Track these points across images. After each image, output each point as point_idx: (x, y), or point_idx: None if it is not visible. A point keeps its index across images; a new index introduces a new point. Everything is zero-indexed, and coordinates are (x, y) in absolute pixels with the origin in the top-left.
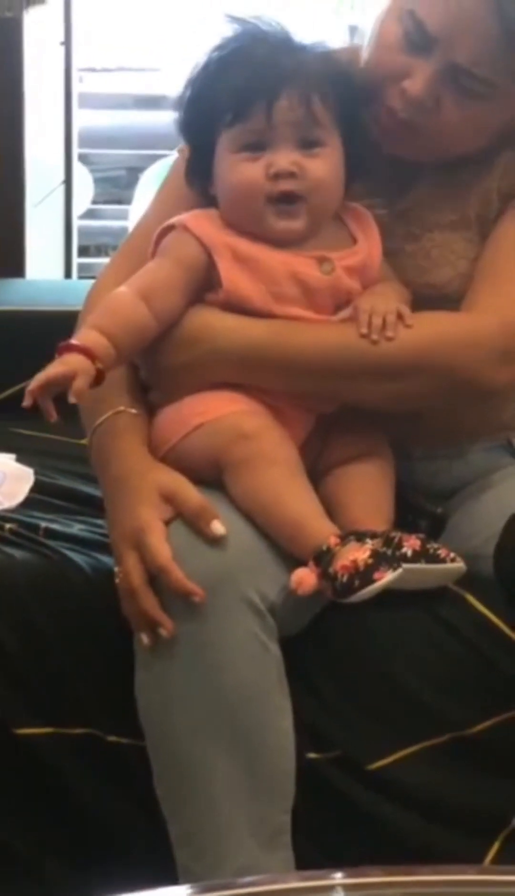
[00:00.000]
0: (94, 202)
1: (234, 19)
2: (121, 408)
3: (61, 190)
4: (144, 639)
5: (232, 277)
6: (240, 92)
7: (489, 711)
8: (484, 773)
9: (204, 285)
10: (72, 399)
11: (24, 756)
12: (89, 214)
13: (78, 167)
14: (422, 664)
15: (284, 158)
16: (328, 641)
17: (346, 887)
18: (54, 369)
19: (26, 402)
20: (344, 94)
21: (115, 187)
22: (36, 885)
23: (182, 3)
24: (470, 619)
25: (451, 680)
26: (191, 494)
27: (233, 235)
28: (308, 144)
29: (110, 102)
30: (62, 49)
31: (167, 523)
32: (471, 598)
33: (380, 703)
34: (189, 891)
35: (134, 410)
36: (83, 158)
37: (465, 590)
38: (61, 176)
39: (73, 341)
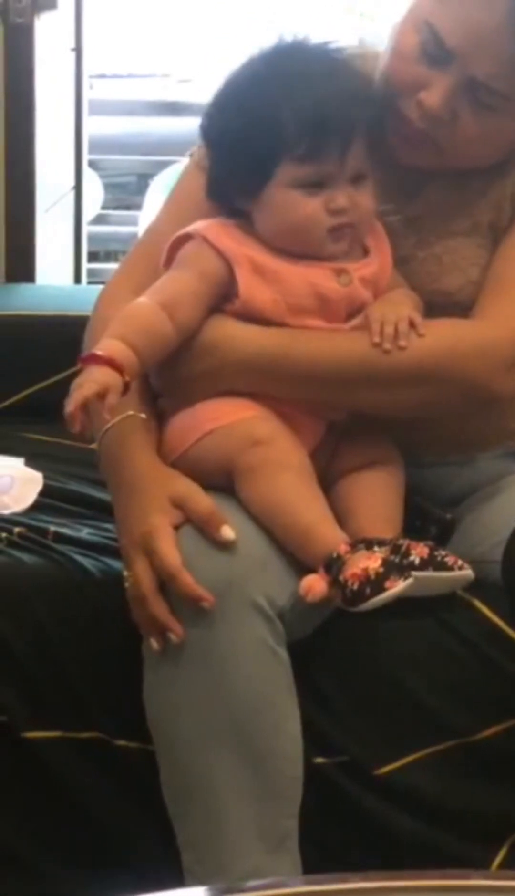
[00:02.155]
0: (104, 208)
1: (276, 30)
2: (131, 412)
3: (71, 196)
4: (154, 644)
5: (249, 289)
6: (317, 126)
7: (496, 717)
8: (491, 779)
9: (223, 296)
10: (106, 416)
11: (32, 760)
12: (99, 220)
13: (88, 172)
14: (429, 670)
15: (343, 196)
16: (335, 646)
17: (353, 892)
18: (88, 389)
19: (77, 430)
20: (383, 120)
21: (125, 193)
22: (42, 888)
23: (193, 9)
24: (478, 625)
25: (458, 686)
26: (201, 499)
27: (253, 247)
28: (358, 178)
29: (120, 108)
30: (73, 55)
31: (177, 528)
32: (479, 604)
33: (387, 709)
34: (197, 894)
35: (143, 415)
36: (93, 164)
37: (473, 596)
38: (71, 182)
39: (99, 352)
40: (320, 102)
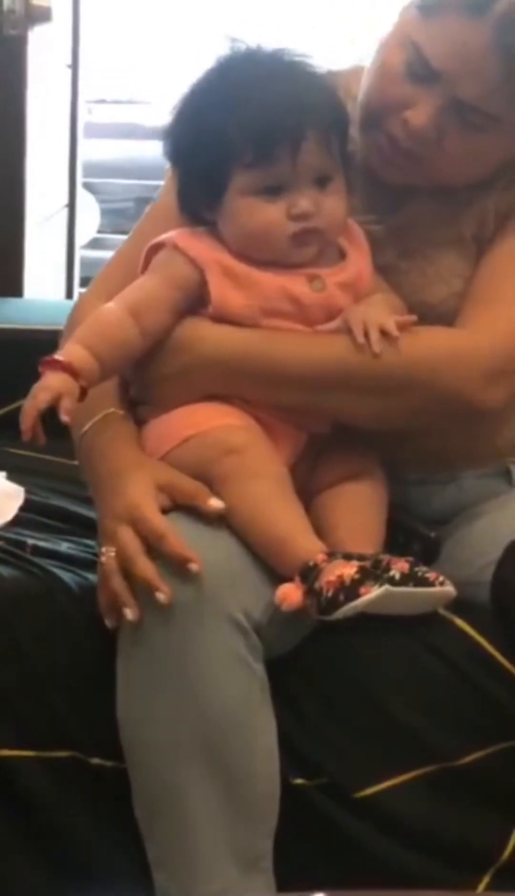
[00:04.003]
0: (102, 232)
1: (234, 40)
2: (112, 409)
3: (64, 213)
4: (129, 613)
5: (221, 294)
6: (262, 133)
7: (481, 742)
8: (475, 806)
9: (195, 302)
10: (64, 418)
11: (5, 779)
12: (95, 244)
13: (84, 195)
14: (413, 692)
15: (305, 200)
16: (317, 666)
17: None
18: (40, 397)
19: (28, 438)
20: (343, 123)
21: (123, 218)
22: None
23: (193, 33)
24: (463, 646)
25: (443, 709)
26: (185, 480)
27: (224, 253)
28: (323, 181)
29: (118, 133)
30: (69, 72)
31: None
32: (466, 627)
33: (368, 730)
34: None
35: (123, 413)
36: (91, 188)
37: (460, 618)
38: (64, 199)
39: (57, 357)
40: (263, 107)
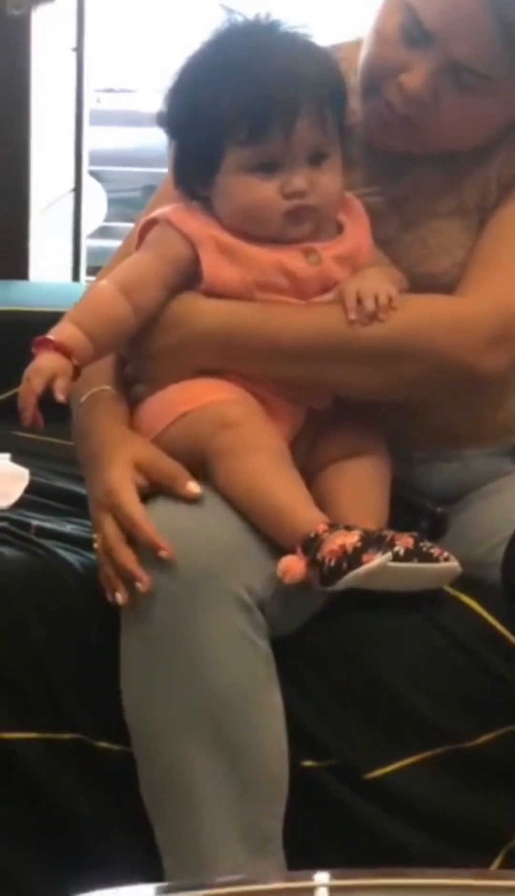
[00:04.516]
0: (109, 221)
1: (230, 12)
2: (102, 387)
3: (70, 198)
4: (119, 597)
5: (215, 269)
6: (255, 109)
7: (492, 724)
8: (487, 788)
9: (188, 278)
10: (59, 397)
11: (8, 762)
12: (102, 233)
13: (91, 183)
14: (423, 673)
15: (299, 178)
16: (325, 647)
17: (332, 889)
18: (35, 381)
19: (28, 423)
20: (340, 96)
21: (131, 207)
22: (20, 891)
23: (199, 20)
24: (475, 628)
25: (453, 690)
26: (165, 461)
27: (217, 228)
28: (318, 158)
29: (127, 121)
30: (74, 55)
31: (141, 493)
32: (476, 607)
33: (377, 712)
34: (157, 889)
35: (113, 391)
36: (98, 176)
37: (470, 598)
38: (71, 184)
39: (50, 336)
40: (257, 83)
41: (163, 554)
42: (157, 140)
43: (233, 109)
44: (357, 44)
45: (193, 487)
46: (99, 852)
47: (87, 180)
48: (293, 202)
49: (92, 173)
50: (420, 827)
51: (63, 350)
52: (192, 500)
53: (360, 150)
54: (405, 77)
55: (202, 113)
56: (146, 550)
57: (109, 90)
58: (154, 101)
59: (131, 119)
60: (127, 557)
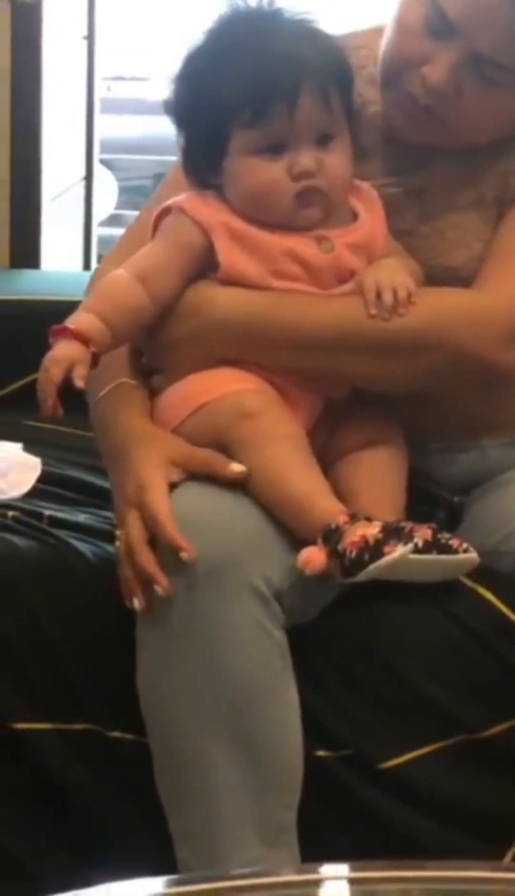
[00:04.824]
0: (120, 209)
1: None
2: (124, 379)
3: (81, 186)
4: (136, 603)
5: (230, 257)
6: (258, 91)
7: (506, 714)
8: (501, 778)
9: (203, 267)
10: (78, 383)
11: (23, 752)
12: (113, 221)
13: (102, 171)
14: (437, 662)
15: (306, 158)
16: (339, 637)
17: (348, 881)
18: (53, 370)
19: (49, 413)
20: (345, 78)
21: (141, 196)
22: (33, 882)
23: (208, 8)
24: (489, 617)
25: (467, 680)
26: (199, 451)
27: (230, 215)
28: (324, 139)
29: (138, 109)
30: (85, 43)
31: (172, 488)
32: (491, 597)
33: (391, 702)
34: (172, 881)
35: (135, 382)
36: (108, 164)
37: (485, 587)
38: (82, 172)
39: (68, 324)
40: (259, 65)
41: (183, 556)
42: (168, 128)
43: (236, 92)
44: (377, 31)
45: (236, 466)
46: (111, 842)
47: (98, 169)
48: (301, 183)
49: (102, 162)
50: (433, 817)
51: (81, 338)
52: (239, 480)
53: (379, 140)
54: (427, 69)
55: (206, 98)
56: (167, 550)
57: (120, 78)
58: (164, 89)
59: (142, 107)
60: (147, 560)
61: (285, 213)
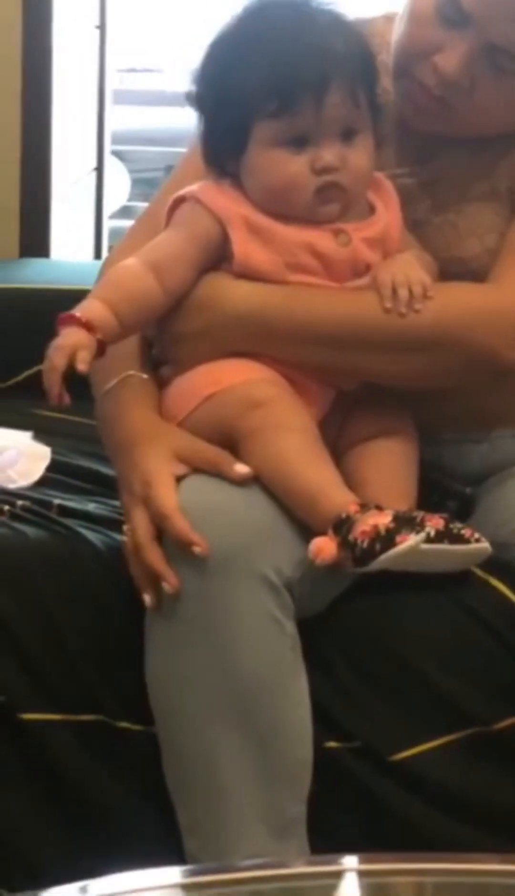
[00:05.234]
0: (132, 201)
1: None
2: (132, 372)
3: (93, 177)
4: (147, 599)
5: (245, 249)
6: (285, 82)
7: None
8: (512, 771)
9: (217, 258)
10: (80, 367)
11: (30, 742)
12: (124, 213)
13: (114, 162)
14: (448, 654)
15: (329, 153)
16: (350, 628)
17: (357, 873)
18: (56, 358)
19: (56, 402)
20: (371, 73)
21: (153, 187)
22: (39, 872)
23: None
24: (500, 608)
25: (478, 672)
26: (206, 447)
27: (247, 206)
28: (348, 134)
29: (150, 101)
30: (97, 32)
31: (179, 480)
32: (503, 588)
33: (402, 693)
34: (184, 872)
35: (144, 375)
36: (120, 155)
37: (497, 579)
38: (93, 163)
39: (75, 312)
40: (288, 56)
41: (196, 550)
42: (181, 120)
43: (263, 82)
44: (388, 19)
45: (241, 468)
46: (120, 832)
47: (109, 160)
48: (323, 178)
49: (114, 153)
50: (443, 810)
51: (86, 326)
52: (244, 481)
53: (391, 130)
54: (440, 58)
55: (232, 86)
56: (174, 544)
57: (132, 70)
58: (177, 80)
59: (155, 99)
60: (155, 557)
61: (304, 207)
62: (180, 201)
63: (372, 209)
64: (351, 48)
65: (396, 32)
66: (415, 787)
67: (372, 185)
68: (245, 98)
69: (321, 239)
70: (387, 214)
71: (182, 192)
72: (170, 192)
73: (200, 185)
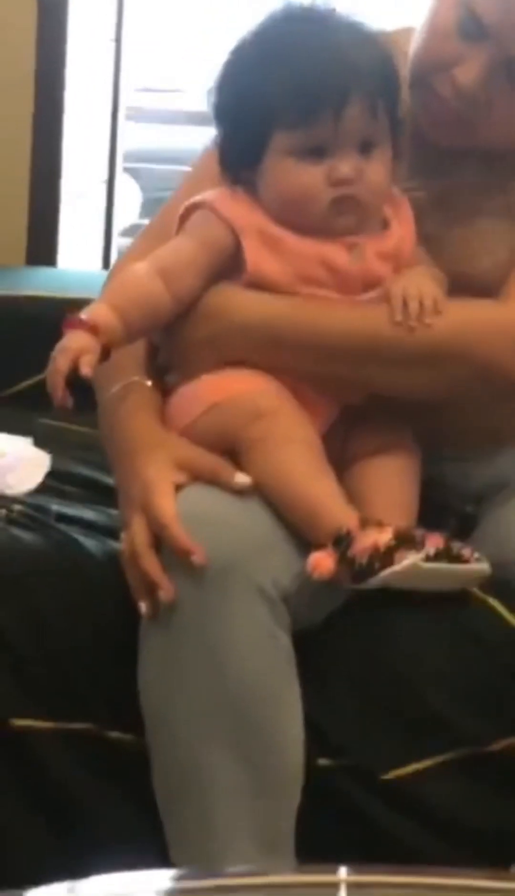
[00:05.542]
0: (144, 219)
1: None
2: (136, 378)
3: (103, 189)
4: (143, 607)
5: (257, 259)
6: (306, 93)
7: (512, 729)
8: (506, 794)
9: (228, 267)
10: (84, 371)
11: (21, 750)
12: (134, 231)
13: (126, 180)
14: (444, 674)
15: (346, 165)
16: (346, 644)
17: (348, 885)
18: (59, 361)
19: (60, 404)
20: (393, 86)
21: None
22: (24, 878)
23: (239, 20)
24: (497, 629)
25: (474, 692)
26: (207, 457)
27: (261, 216)
28: (367, 147)
29: (164, 119)
30: (113, 45)
31: (177, 490)
32: (501, 609)
33: (396, 712)
34: (173, 875)
35: (148, 382)
36: (133, 173)
37: (495, 599)
38: (104, 175)
39: (81, 316)
40: (310, 66)
41: (194, 559)
42: (196, 140)
43: (283, 92)
44: (406, 31)
45: (241, 478)
46: (108, 843)
47: (122, 177)
48: (339, 190)
49: (128, 171)
50: (435, 832)
51: (92, 329)
52: (242, 491)
53: (405, 143)
54: (458, 71)
55: (251, 95)
56: (172, 553)
57: (148, 90)
58: (194, 100)
59: (170, 118)
60: (151, 565)
61: (319, 218)
62: (193, 208)
63: (385, 223)
64: (374, 62)
65: (415, 44)
66: (407, 808)
67: (387, 199)
68: (264, 108)
69: (334, 252)
70: (401, 229)
71: (195, 198)
72: (183, 198)
73: (215, 193)
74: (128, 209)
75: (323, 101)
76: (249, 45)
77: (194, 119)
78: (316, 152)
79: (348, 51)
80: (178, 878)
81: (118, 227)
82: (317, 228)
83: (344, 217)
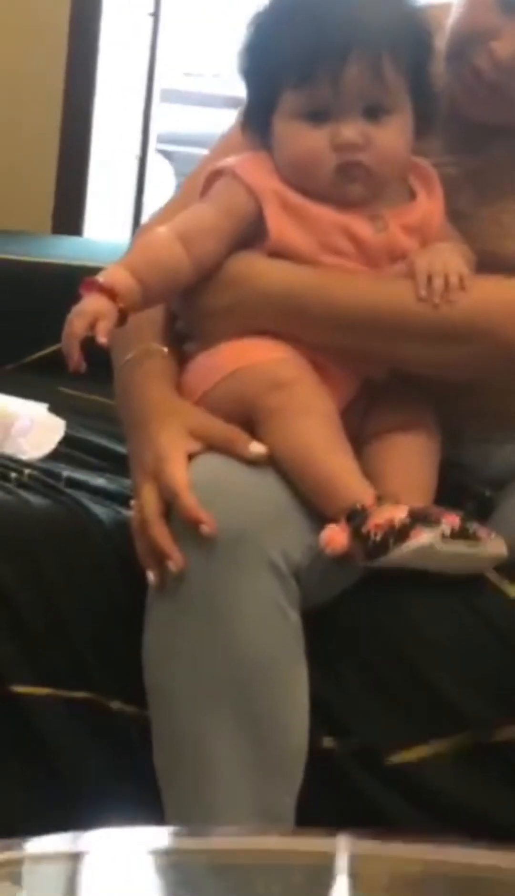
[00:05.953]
0: None
1: None
2: (153, 344)
3: (135, 165)
4: (151, 577)
5: (279, 226)
6: (305, 52)
7: None
8: (511, 782)
9: (250, 234)
10: (101, 340)
11: (19, 715)
12: None
13: (160, 160)
14: (455, 658)
15: (350, 129)
16: (352, 622)
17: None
18: (76, 324)
19: (74, 367)
20: (417, 48)
21: None
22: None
23: None
24: (510, 614)
25: (481, 677)
26: (221, 426)
27: (282, 182)
28: (375, 112)
29: (202, 101)
30: (151, 20)
31: (190, 458)
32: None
33: (404, 695)
34: (171, 831)
35: (165, 349)
36: (167, 155)
37: (510, 583)
38: (137, 151)
39: (98, 278)
40: (313, 26)
41: (204, 528)
42: (227, 124)
43: (288, 52)
44: (446, 6)
45: (256, 447)
46: (106, 812)
47: (155, 157)
48: (342, 156)
49: (162, 152)
50: (438, 818)
51: (110, 293)
52: (257, 461)
53: (440, 117)
54: (496, 44)
55: (263, 56)
56: (183, 522)
57: (188, 74)
58: (230, 84)
59: (206, 100)
60: (161, 534)
61: (325, 184)
62: (217, 174)
63: (412, 194)
64: (389, 22)
65: (453, 15)
66: (411, 793)
67: (415, 171)
68: (272, 68)
69: (356, 222)
70: (429, 202)
71: (219, 164)
72: (209, 166)
73: (238, 159)
74: (161, 191)
75: (320, 61)
76: (270, 7)
77: (231, 103)
78: (320, 115)
79: (360, 10)
80: (180, 835)
81: (149, 209)
82: (328, 196)
83: (354, 185)
